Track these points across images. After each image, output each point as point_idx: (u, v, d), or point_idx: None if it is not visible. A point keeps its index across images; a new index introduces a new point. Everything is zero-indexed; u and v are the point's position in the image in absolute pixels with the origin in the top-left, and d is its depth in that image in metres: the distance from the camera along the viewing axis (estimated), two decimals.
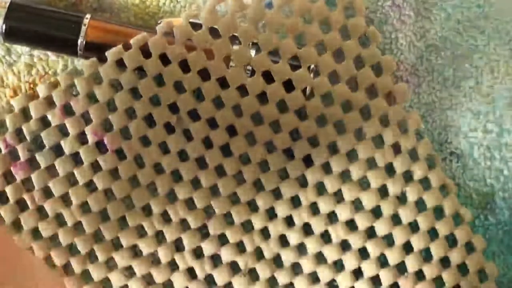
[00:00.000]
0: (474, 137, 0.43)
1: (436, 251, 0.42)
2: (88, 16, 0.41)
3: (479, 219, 0.43)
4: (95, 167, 0.41)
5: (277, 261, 0.42)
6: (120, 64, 0.40)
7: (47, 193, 0.41)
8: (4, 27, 0.40)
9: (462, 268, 0.42)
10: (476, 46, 0.43)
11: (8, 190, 0.41)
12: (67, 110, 0.41)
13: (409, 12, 0.43)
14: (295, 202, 0.42)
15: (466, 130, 0.43)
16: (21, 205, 0.41)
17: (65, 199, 0.41)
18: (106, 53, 0.40)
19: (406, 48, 0.43)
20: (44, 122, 0.41)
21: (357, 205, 0.42)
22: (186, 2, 0.43)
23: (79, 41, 0.40)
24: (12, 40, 0.41)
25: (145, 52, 0.40)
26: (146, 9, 0.43)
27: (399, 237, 0.42)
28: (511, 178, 0.43)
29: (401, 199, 0.42)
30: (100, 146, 0.41)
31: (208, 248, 0.41)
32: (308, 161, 0.41)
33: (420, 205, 0.42)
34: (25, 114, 0.41)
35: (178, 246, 0.42)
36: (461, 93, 0.43)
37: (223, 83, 0.41)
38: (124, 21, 0.42)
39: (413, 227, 0.42)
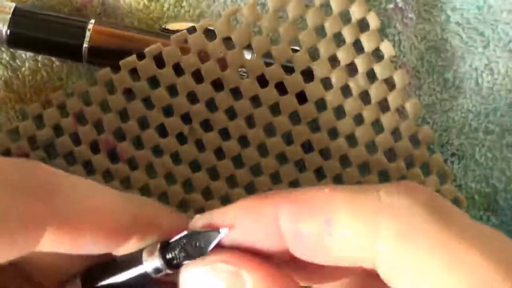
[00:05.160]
0: (475, 138, 0.43)
1: None
2: (92, 21, 0.41)
3: (481, 220, 0.43)
4: (108, 176, 0.41)
5: None
6: (133, 72, 0.40)
7: None
8: (8, 33, 0.40)
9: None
10: (475, 47, 0.44)
11: None
12: (80, 119, 0.41)
13: (411, 14, 0.43)
14: None
15: (467, 131, 0.43)
16: None
17: None
18: (120, 63, 0.40)
19: (408, 50, 0.43)
20: (57, 131, 0.41)
21: None
22: (190, 7, 0.43)
23: (83, 46, 0.40)
24: (17, 46, 0.41)
25: (158, 60, 0.40)
26: (150, 14, 0.42)
27: None
28: None
29: None
30: (112, 155, 0.41)
31: None
32: (319, 173, 0.41)
33: None
34: (38, 122, 0.41)
35: None
36: (462, 94, 0.43)
37: (234, 92, 0.41)
38: (128, 26, 0.42)
39: None
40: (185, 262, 0.29)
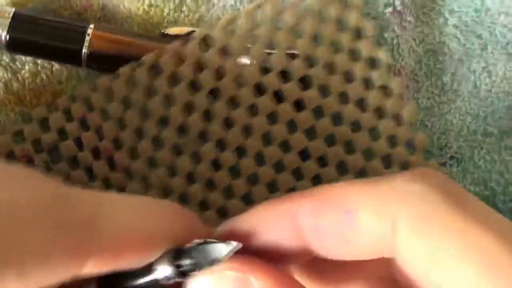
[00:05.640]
0: (474, 140, 0.43)
1: None
2: (92, 26, 0.40)
3: None
4: (107, 183, 0.40)
5: None
6: (132, 80, 0.40)
7: None
8: (7, 37, 0.40)
9: None
10: (473, 50, 0.44)
11: None
12: (84, 124, 0.41)
13: (409, 17, 0.43)
14: None
15: (465, 134, 0.43)
16: None
17: None
18: (120, 70, 0.40)
19: (406, 53, 0.43)
20: (61, 135, 0.41)
21: None
22: (190, 11, 0.43)
23: (83, 51, 0.40)
24: (16, 51, 0.41)
25: (157, 68, 0.40)
26: (150, 19, 0.43)
27: None
28: (511, 181, 0.43)
29: None
30: (111, 163, 0.41)
31: None
32: (317, 181, 0.41)
33: None
34: (43, 125, 0.41)
35: None
36: (460, 97, 0.44)
37: (231, 101, 0.41)
38: (128, 31, 0.42)
39: None
40: (194, 272, 0.29)
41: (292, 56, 0.41)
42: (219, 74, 0.40)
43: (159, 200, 0.35)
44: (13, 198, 0.28)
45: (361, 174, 0.41)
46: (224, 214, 0.41)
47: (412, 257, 0.26)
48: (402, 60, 0.43)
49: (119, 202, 0.31)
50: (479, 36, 0.44)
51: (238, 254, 0.28)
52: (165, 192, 0.41)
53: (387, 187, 0.27)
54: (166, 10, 0.43)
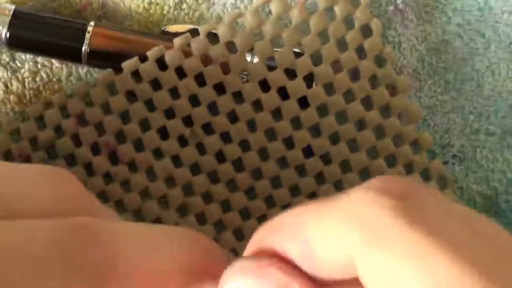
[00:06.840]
0: (477, 139, 0.43)
1: None
2: (92, 23, 0.40)
3: None
4: (108, 178, 0.40)
5: None
6: (134, 75, 0.40)
7: None
8: (7, 35, 0.40)
9: None
10: (476, 49, 0.44)
11: None
12: (82, 120, 0.40)
13: (411, 16, 0.43)
14: None
15: (468, 132, 0.43)
16: None
17: None
18: (122, 65, 0.40)
19: (408, 52, 0.43)
20: (58, 131, 0.40)
21: None
22: (190, 9, 0.43)
23: (83, 49, 0.40)
24: (16, 48, 0.41)
25: (160, 63, 0.40)
26: (150, 17, 0.42)
27: None
28: None
29: None
30: (113, 157, 0.41)
31: None
32: (320, 179, 0.41)
33: None
34: (39, 122, 0.41)
35: None
36: (463, 96, 0.43)
37: (236, 96, 0.41)
38: (128, 28, 0.42)
39: None
40: None
41: (298, 54, 0.41)
42: (225, 68, 0.40)
43: (174, 228, 0.34)
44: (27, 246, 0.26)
45: (365, 172, 0.41)
46: (227, 206, 0.41)
47: (369, 279, 0.25)
48: (404, 59, 0.43)
49: (135, 235, 0.29)
50: (483, 35, 0.44)
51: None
52: (169, 182, 0.41)
53: (336, 210, 0.26)
54: (166, 8, 0.42)
